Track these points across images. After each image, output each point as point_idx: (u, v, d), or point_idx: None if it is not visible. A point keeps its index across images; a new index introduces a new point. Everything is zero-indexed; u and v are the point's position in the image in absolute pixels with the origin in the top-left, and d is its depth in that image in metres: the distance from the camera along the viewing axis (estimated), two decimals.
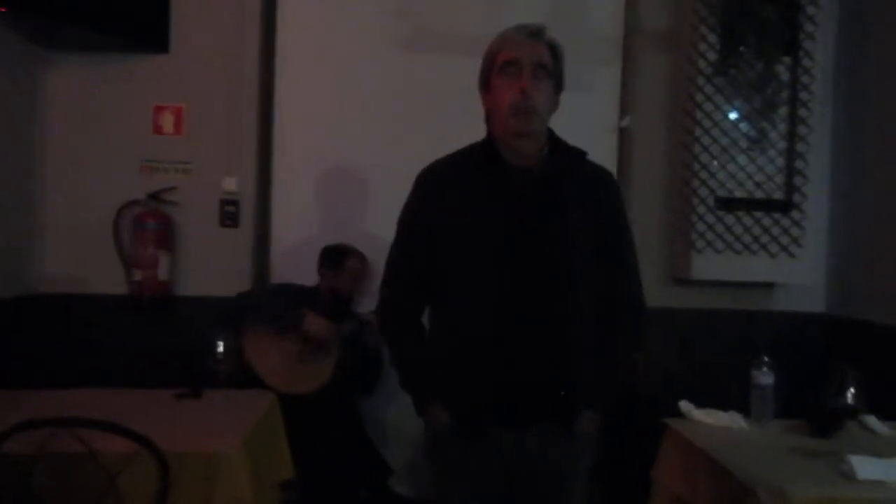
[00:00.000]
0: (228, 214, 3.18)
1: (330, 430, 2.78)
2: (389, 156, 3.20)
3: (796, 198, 3.11)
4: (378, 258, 3.11)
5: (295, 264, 3.14)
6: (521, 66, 1.65)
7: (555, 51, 1.70)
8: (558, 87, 1.72)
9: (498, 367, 1.64)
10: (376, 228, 3.23)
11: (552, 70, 1.68)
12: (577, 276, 1.68)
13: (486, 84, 1.73)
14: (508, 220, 1.66)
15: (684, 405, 2.17)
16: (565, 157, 1.74)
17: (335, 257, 2.95)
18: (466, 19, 3.20)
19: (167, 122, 3.16)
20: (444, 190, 1.72)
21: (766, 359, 2.13)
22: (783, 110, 3.09)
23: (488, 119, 1.76)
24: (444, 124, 3.15)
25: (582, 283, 1.69)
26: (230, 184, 3.17)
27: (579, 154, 1.78)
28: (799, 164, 3.10)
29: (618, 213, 1.79)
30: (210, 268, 3.17)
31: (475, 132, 2.99)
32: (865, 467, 1.64)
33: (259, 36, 3.20)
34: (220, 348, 2.32)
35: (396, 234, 1.81)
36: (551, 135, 1.75)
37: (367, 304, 3.06)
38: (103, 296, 3.12)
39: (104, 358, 3.05)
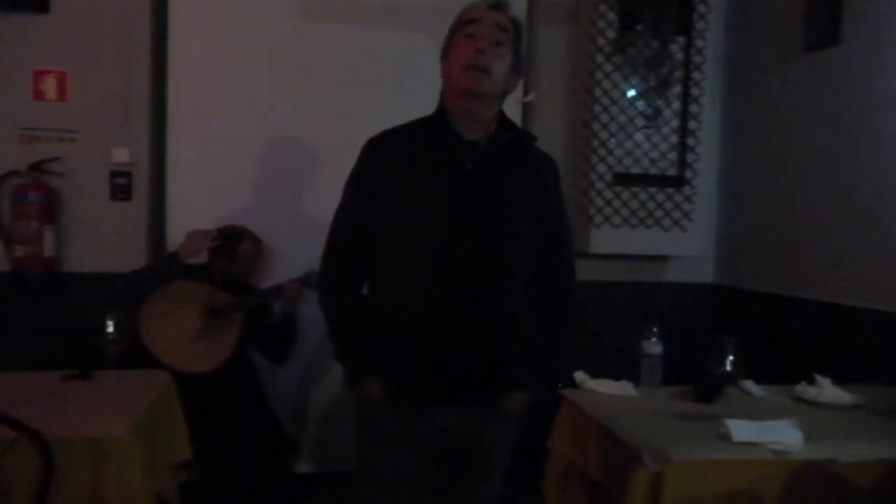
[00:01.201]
0: (120, 187, 3.04)
1: (232, 408, 2.72)
2: (290, 123, 3.13)
3: (688, 174, 3.25)
4: (278, 230, 3.11)
5: None
6: (480, 26, 1.65)
7: (517, 25, 1.71)
8: (517, 65, 1.72)
9: (437, 341, 1.64)
10: (277, 198, 3.17)
11: (512, 39, 1.68)
12: (518, 254, 1.70)
13: (446, 51, 1.72)
14: (453, 191, 1.65)
15: (579, 375, 2.24)
16: (513, 135, 1.75)
17: (227, 242, 2.87)
18: None
19: (49, 87, 2.96)
20: (391, 159, 1.70)
21: (654, 329, 2.22)
22: (677, 89, 3.20)
23: (443, 90, 1.74)
24: (344, 91, 3.12)
25: (522, 261, 1.71)
26: (121, 154, 3.01)
27: (527, 135, 1.80)
28: (691, 141, 3.23)
29: (559, 200, 1.83)
30: (102, 243, 3.02)
31: (375, 99, 3.02)
32: (740, 430, 1.74)
33: None
34: (111, 328, 2.22)
35: (341, 203, 1.77)
36: (502, 114, 1.75)
37: (265, 283, 3.02)
38: None
39: None
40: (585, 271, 3.31)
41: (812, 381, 2.23)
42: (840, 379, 2.24)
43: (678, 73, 3.19)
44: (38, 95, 2.96)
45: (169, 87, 3.09)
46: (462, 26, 1.67)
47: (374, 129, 1.78)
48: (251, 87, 3.11)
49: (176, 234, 3.06)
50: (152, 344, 2.64)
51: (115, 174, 3.02)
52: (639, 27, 3.12)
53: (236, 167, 3.13)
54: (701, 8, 3.19)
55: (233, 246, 2.86)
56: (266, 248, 3.01)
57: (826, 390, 2.18)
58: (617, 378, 2.24)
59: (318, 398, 3.25)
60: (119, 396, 2.01)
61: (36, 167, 2.93)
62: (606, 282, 3.31)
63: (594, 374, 2.29)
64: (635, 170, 3.22)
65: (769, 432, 1.74)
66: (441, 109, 1.73)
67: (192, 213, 3.02)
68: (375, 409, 1.71)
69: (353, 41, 3.16)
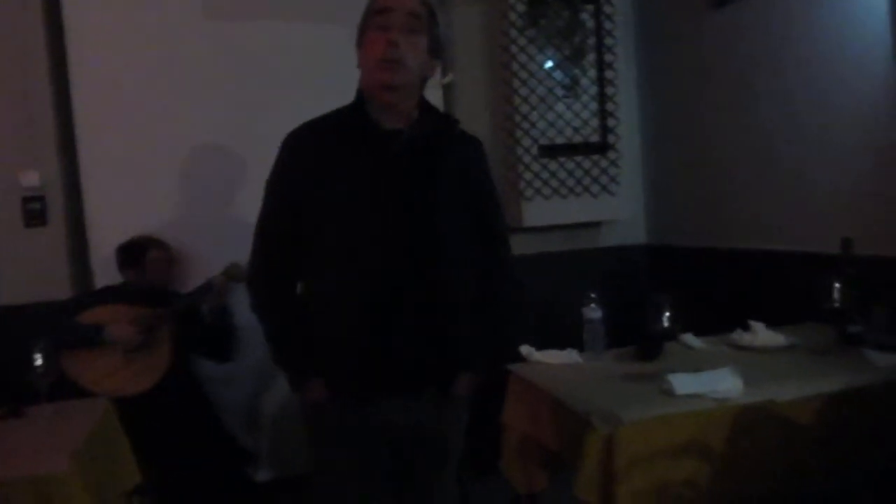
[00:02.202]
0: (33, 213, 2.90)
1: (179, 425, 2.66)
2: (206, 126, 3.05)
3: (611, 139, 3.31)
4: (205, 234, 3.03)
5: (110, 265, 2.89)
6: (391, 16, 1.60)
7: (430, 8, 1.66)
8: (434, 49, 1.68)
9: (376, 332, 1.61)
10: (201, 203, 3.09)
11: (426, 25, 1.64)
12: (452, 239, 1.68)
13: (360, 40, 1.67)
14: (380, 182, 1.63)
15: (525, 349, 2.26)
16: (436, 121, 1.72)
17: (134, 254, 2.79)
18: None
19: None
20: (312, 153, 1.65)
21: (592, 295, 2.25)
22: (591, 56, 3.24)
23: (361, 79, 1.69)
24: (259, 88, 3.05)
25: (456, 247, 1.69)
26: (30, 178, 2.88)
27: (450, 119, 1.78)
28: (610, 106, 3.29)
29: (487, 179, 1.81)
30: (20, 273, 2.89)
31: (291, 93, 2.96)
32: (682, 383, 1.79)
33: (42, 6, 2.89)
34: (39, 360, 2.12)
35: (264, 202, 1.72)
36: (423, 100, 1.72)
37: (186, 287, 2.94)
38: None
39: None
40: (521, 245, 3.37)
41: (747, 328, 2.30)
42: (773, 322, 2.32)
43: (591, 41, 3.23)
44: None
45: (74, 104, 2.96)
46: (373, 16, 1.63)
47: (293, 124, 1.73)
48: (160, 94, 3.00)
49: (100, 256, 2.95)
50: (80, 378, 2.55)
51: (26, 199, 2.89)
52: None
53: (155, 177, 3.02)
54: None
55: (140, 256, 2.78)
56: (177, 251, 2.92)
57: (760, 334, 2.25)
58: (564, 347, 2.27)
59: (271, 404, 3.19)
60: (56, 430, 1.93)
61: None
62: (543, 253, 3.35)
63: (541, 346, 2.30)
64: (560, 140, 3.26)
65: (710, 382, 1.79)
66: (360, 99, 1.69)
67: (115, 230, 2.89)
68: (321, 410, 1.69)
69: (262, 37, 3.09)
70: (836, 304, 2.17)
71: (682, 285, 3.18)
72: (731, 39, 2.93)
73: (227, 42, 3.05)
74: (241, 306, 2.94)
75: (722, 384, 1.78)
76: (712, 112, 3.09)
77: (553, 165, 3.24)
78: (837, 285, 2.16)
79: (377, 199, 1.63)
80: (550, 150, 3.24)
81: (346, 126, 1.67)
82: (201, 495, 2.64)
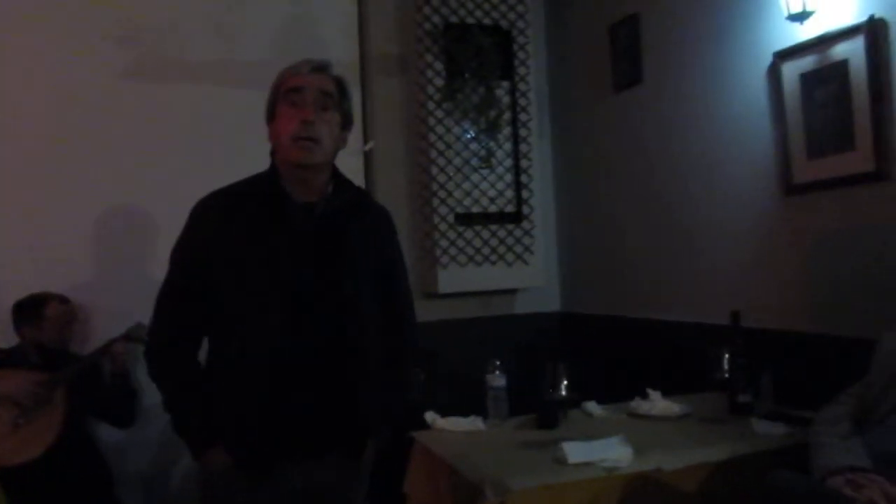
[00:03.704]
0: None
1: (69, 495, 2.53)
2: (123, 189, 3.01)
3: (525, 209, 3.41)
4: (107, 296, 2.94)
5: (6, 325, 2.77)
6: (304, 95, 1.63)
7: (341, 85, 1.70)
8: (345, 123, 1.72)
9: (282, 399, 1.60)
10: (110, 267, 3.01)
11: (338, 101, 1.68)
12: (361, 309, 1.70)
13: (271, 114, 1.69)
14: (290, 256, 1.63)
15: (429, 416, 2.27)
16: (348, 194, 1.75)
17: (31, 309, 2.70)
18: (194, 45, 3.13)
19: None
20: (222, 223, 1.64)
21: (497, 362, 2.29)
22: (507, 130, 3.37)
23: (273, 151, 1.71)
24: (178, 155, 3.04)
25: (364, 315, 1.71)
26: None
27: (361, 192, 1.82)
28: (524, 178, 3.40)
29: (395, 248, 1.86)
30: None
31: (201, 161, 2.96)
32: (575, 451, 1.82)
33: None
34: None
35: (169, 270, 1.70)
36: (335, 171, 1.75)
37: (88, 346, 2.85)
38: None
39: None
40: (436, 311, 3.42)
41: (646, 396, 2.37)
42: (671, 390, 2.40)
43: (506, 116, 3.36)
44: None
45: None
46: (285, 93, 1.66)
47: (206, 187, 1.73)
48: (70, 150, 2.95)
49: None
50: None
51: None
52: (466, 75, 3.27)
53: (61, 236, 2.94)
54: (521, 55, 3.40)
55: (38, 311, 2.69)
56: (78, 307, 2.83)
57: (658, 403, 2.32)
58: (471, 414, 2.29)
59: (175, 473, 3.07)
60: None
61: None
62: (458, 319, 3.38)
63: (449, 413, 2.31)
64: (475, 209, 3.34)
65: (601, 450, 1.83)
66: (273, 171, 1.71)
67: (14, 293, 2.79)
68: (220, 480, 1.65)
69: (178, 100, 3.09)
70: (726, 374, 2.27)
71: (591, 352, 3.28)
72: (632, 119, 3.11)
73: (142, 104, 3.04)
74: (143, 368, 2.89)
75: (613, 452, 1.82)
76: (614, 187, 3.26)
77: (469, 234, 3.32)
78: (727, 356, 2.27)
79: (287, 269, 1.64)
80: (466, 218, 3.32)
81: (258, 196, 1.68)
82: None
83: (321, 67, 1.70)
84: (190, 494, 3.00)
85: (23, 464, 2.43)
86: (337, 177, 1.76)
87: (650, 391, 2.38)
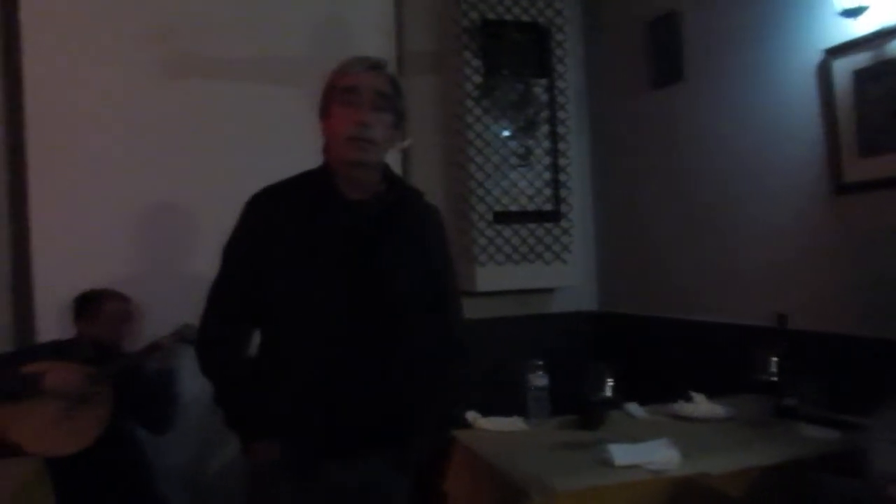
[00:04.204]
0: None
1: (114, 490, 2.57)
2: (170, 187, 3.05)
3: (563, 208, 3.39)
4: (156, 293, 3.00)
5: (66, 316, 2.82)
6: (360, 95, 1.63)
7: (395, 84, 1.70)
8: (399, 121, 1.71)
9: (334, 396, 1.61)
10: (157, 266, 3.06)
11: (392, 101, 1.67)
12: (411, 307, 1.70)
13: (325, 112, 1.69)
14: (341, 253, 1.64)
15: (471, 415, 2.27)
16: (399, 192, 1.75)
17: (90, 303, 2.73)
18: (231, 43, 3.15)
19: None
20: (275, 219, 1.65)
21: (539, 362, 2.28)
22: (544, 128, 3.35)
23: (326, 148, 1.72)
24: (223, 153, 3.08)
25: (414, 313, 1.71)
26: None
27: (412, 191, 1.81)
28: (562, 176, 3.38)
29: (446, 250, 1.85)
30: None
31: (255, 159, 2.98)
32: (621, 453, 1.81)
33: (1, 57, 2.90)
34: None
35: (222, 264, 1.71)
36: (387, 169, 1.75)
37: (137, 346, 2.88)
38: None
39: None
40: (473, 309, 3.35)
41: (689, 398, 2.34)
42: (713, 392, 2.37)
43: (544, 114, 3.34)
44: None
45: (28, 158, 2.93)
46: (340, 92, 1.66)
47: (252, 186, 1.73)
48: (118, 151, 3.00)
49: (46, 311, 2.88)
50: (14, 436, 2.45)
51: None
52: (503, 72, 3.26)
53: (110, 234, 2.99)
54: (558, 52, 3.37)
55: (96, 307, 2.73)
56: (136, 306, 2.87)
57: (701, 406, 2.29)
58: (510, 413, 2.28)
59: (212, 468, 3.11)
60: None
61: None
62: (495, 318, 3.36)
63: (487, 412, 2.31)
64: (514, 207, 3.33)
65: (647, 453, 1.81)
66: (325, 168, 1.72)
67: (64, 288, 2.83)
68: (268, 474, 1.65)
69: (223, 97, 3.12)
70: (772, 377, 2.23)
71: (630, 353, 3.24)
72: (670, 117, 3.07)
73: (187, 101, 3.08)
74: (189, 369, 2.93)
75: (659, 455, 1.80)
76: (654, 185, 3.21)
77: (507, 232, 3.30)
78: (773, 359, 2.23)
79: (337, 266, 1.64)
80: (504, 217, 3.30)
81: (310, 193, 1.69)
82: None
83: (376, 66, 1.69)
84: (227, 490, 3.04)
85: (70, 455, 2.47)
86: (388, 175, 1.76)
87: (693, 393, 2.35)
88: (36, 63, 2.94)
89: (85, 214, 2.97)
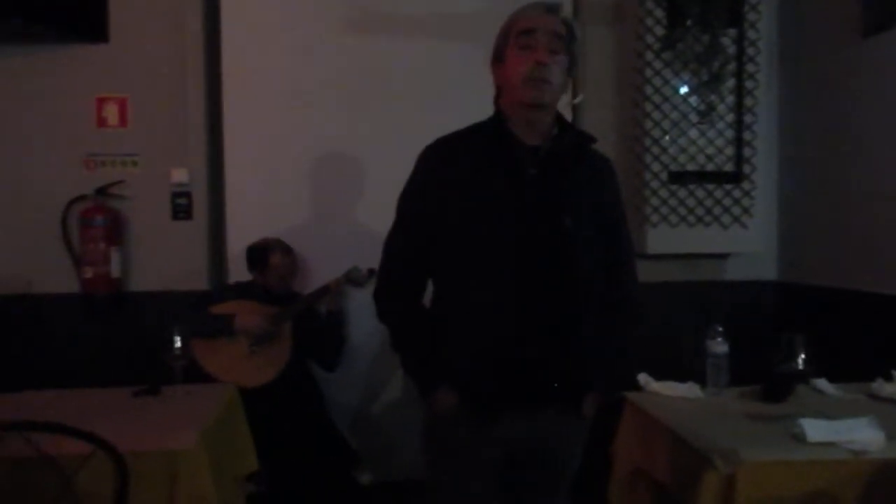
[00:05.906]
0: (180, 207, 3.13)
1: (292, 420, 2.77)
2: (343, 139, 3.19)
3: (746, 169, 3.17)
4: (332, 242, 3.16)
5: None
6: (537, 36, 1.62)
7: (570, 28, 1.68)
8: (572, 66, 1.70)
9: (511, 344, 1.62)
10: (332, 213, 3.22)
11: (567, 44, 1.66)
12: (584, 256, 1.67)
13: (499, 56, 1.70)
14: (516, 198, 1.63)
15: (643, 378, 2.20)
16: (573, 136, 1.73)
17: (258, 254, 2.91)
18: (409, 0, 3.20)
19: (111, 113, 3.08)
20: (449, 167, 1.67)
21: (719, 328, 2.16)
22: (730, 82, 3.13)
23: (498, 95, 1.73)
24: (397, 107, 3.16)
25: (588, 263, 1.68)
26: (180, 175, 3.11)
27: (585, 136, 1.77)
28: (747, 135, 3.15)
29: (618, 199, 1.81)
30: (164, 263, 3.12)
31: (428, 114, 3.03)
32: (815, 429, 1.68)
33: (201, 21, 3.13)
34: (178, 343, 2.27)
35: (397, 214, 1.76)
36: (560, 116, 1.74)
37: (308, 287, 3.07)
38: (53, 295, 3.05)
39: (58, 358, 3.01)
40: (643, 272, 3.19)
41: (889, 378, 2.14)
42: None
43: (731, 67, 3.11)
44: (102, 122, 3.08)
45: (224, 108, 3.17)
46: (516, 36, 1.65)
47: (423, 139, 1.76)
48: (302, 104, 3.17)
49: (235, 251, 3.12)
50: (209, 367, 2.70)
51: (175, 195, 3.12)
52: (688, 22, 3.06)
53: (290, 181, 3.20)
54: None
55: (264, 258, 2.90)
56: (297, 257, 3.03)
57: None
58: (678, 379, 2.19)
59: (377, 407, 3.27)
60: (187, 410, 2.05)
61: (101, 191, 3.04)
62: (665, 282, 3.24)
63: (654, 376, 2.24)
64: (691, 167, 3.15)
65: (846, 431, 1.67)
66: (498, 115, 1.71)
67: (250, 228, 3.07)
68: (447, 420, 1.68)
69: (399, 52, 3.20)
70: None
71: (813, 327, 2.99)
72: (885, 70, 2.74)
73: (364, 57, 3.18)
74: (357, 313, 3.08)
75: (860, 435, 1.66)
76: (852, 148, 2.90)
77: (682, 192, 3.14)
78: None
79: (512, 212, 1.63)
80: (680, 177, 3.14)
81: (485, 141, 1.68)
82: (309, 491, 2.73)
83: (553, 8, 1.66)
84: (394, 429, 3.18)
85: (257, 387, 2.68)
86: (561, 120, 1.73)
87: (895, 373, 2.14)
88: (232, 18, 3.15)
89: (269, 165, 3.18)
